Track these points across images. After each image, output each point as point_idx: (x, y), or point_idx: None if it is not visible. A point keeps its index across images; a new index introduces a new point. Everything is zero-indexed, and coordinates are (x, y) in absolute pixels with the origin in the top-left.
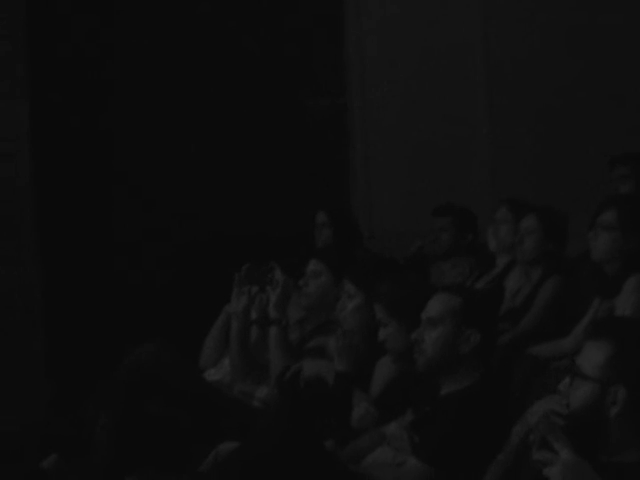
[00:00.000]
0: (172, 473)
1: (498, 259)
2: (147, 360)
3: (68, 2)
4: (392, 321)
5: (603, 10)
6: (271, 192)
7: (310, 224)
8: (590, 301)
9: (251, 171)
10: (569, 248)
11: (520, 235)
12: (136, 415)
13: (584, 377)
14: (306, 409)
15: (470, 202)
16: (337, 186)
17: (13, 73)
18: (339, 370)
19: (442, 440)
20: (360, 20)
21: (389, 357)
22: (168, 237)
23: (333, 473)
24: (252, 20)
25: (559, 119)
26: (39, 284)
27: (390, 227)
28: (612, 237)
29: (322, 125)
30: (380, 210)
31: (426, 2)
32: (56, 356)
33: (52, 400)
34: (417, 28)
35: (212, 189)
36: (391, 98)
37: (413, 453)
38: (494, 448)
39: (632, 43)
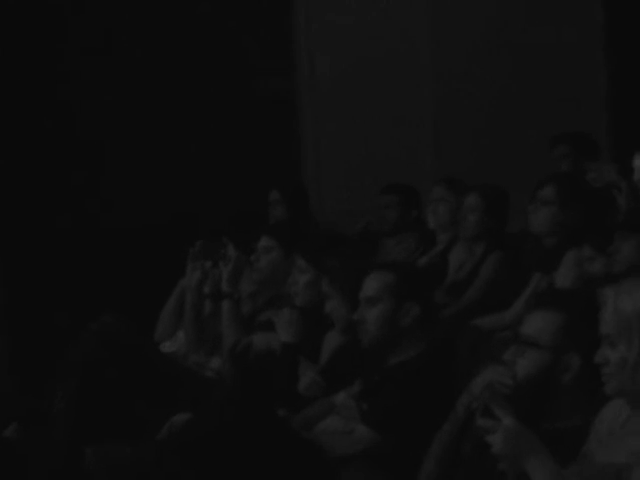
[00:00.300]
0: (128, 443)
1: (438, 236)
2: (104, 332)
3: None
4: (337, 294)
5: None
6: (224, 171)
7: (263, 202)
8: (530, 275)
9: (205, 151)
10: (511, 224)
11: (462, 212)
12: (93, 386)
13: (535, 346)
14: (257, 379)
15: (414, 180)
16: (288, 165)
17: None
18: (285, 341)
19: (389, 408)
20: (308, 2)
21: (336, 329)
22: (124, 217)
23: (287, 439)
24: (203, 4)
25: (501, 100)
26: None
27: (338, 204)
28: (551, 211)
29: (272, 105)
30: (329, 188)
31: None
32: (20, 352)
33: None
34: (364, 10)
35: (168, 168)
36: (339, 79)
37: (362, 421)
38: (440, 416)
39: (567, 27)
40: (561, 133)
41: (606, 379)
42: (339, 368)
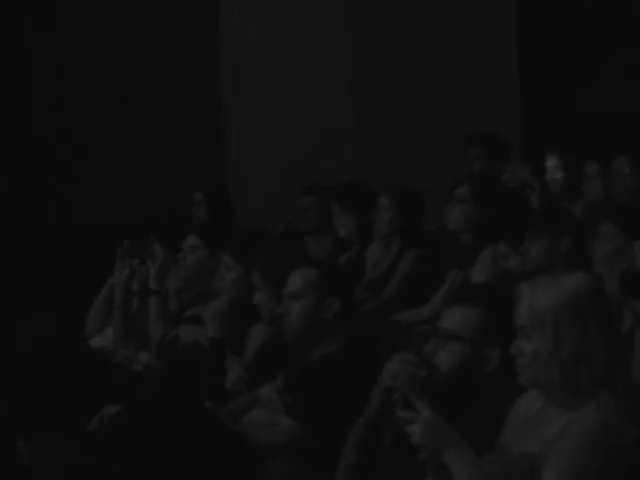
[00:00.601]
0: (61, 435)
1: (355, 239)
2: (35, 328)
3: None
4: (266, 287)
5: None
6: (151, 173)
7: (188, 203)
8: (446, 271)
9: (132, 154)
10: (430, 222)
11: (376, 213)
12: (26, 380)
13: (455, 339)
14: (184, 372)
15: (334, 180)
16: (211, 167)
17: None
18: (212, 336)
19: (312, 401)
20: (233, 10)
21: (262, 322)
22: (55, 218)
23: (214, 430)
24: (130, 14)
25: (418, 103)
26: None
27: (260, 205)
28: (465, 210)
29: (198, 111)
30: (251, 189)
31: None
32: None
33: None
34: (285, 16)
35: (95, 171)
36: (261, 85)
37: (286, 414)
38: (361, 408)
39: (482, 32)
40: (474, 135)
41: (520, 370)
42: (264, 363)
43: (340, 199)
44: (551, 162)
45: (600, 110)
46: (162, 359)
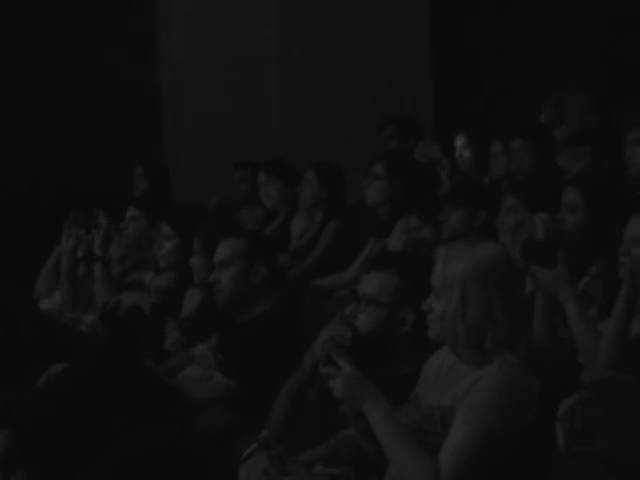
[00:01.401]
0: (11, 389)
1: (279, 210)
2: None
3: None
4: (202, 254)
5: None
6: (96, 150)
7: (129, 176)
8: (366, 240)
9: (80, 133)
10: (350, 197)
11: (301, 186)
12: None
13: (373, 303)
14: (125, 333)
15: (264, 157)
16: (151, 144)
17: None
18: (154, 302)
19: (242, 358)
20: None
21: (197, 286)
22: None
23: (153, 385)
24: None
25: (339, 86)
26: None
27: (195, 179)
28: (381, 185)
29: (137, 93)
30: (187, 165)
31: None
32: None
33: None
34: (217, 5)
35: (49, 147)
36: (195, 68)
37: (218, 370)
38: (287, 364)
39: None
40: (388, 117)
41: (429, 325)
42: (198, 324)
43: (267, 171)
44: (459, 141)
45: (504, 93)
46: (105, 321)
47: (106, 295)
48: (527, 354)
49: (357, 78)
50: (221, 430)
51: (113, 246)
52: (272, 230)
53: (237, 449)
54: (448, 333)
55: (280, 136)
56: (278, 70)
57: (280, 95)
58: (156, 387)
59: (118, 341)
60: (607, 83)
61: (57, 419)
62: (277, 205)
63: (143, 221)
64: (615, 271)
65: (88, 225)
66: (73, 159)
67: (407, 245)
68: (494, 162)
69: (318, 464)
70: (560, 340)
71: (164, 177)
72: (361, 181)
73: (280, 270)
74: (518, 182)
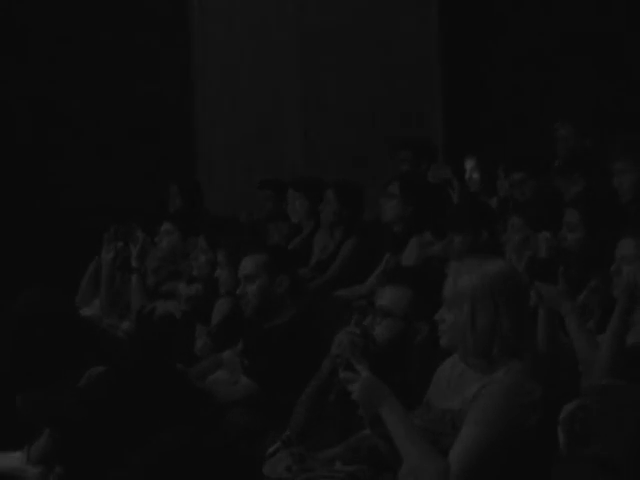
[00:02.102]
0: (53, 390)
1: (304, 225)
2: (35, 298)
3: None
4: (227, 266)
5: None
6: (135, 171)
7: (165, 194)
8: (381, 255)
9: (119, 152)
10: (367, 214)
11: (323, 205)
12: (26, 343)
13: (389, 315)
14: (159, 338)
15: (288, 176)
16: (185, 164)
17: None
18: (185, 309)
19: (266, 363)
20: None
21: (225, 296)
22: (57, 204)
23: (184, 387)
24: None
25: (359, 115)
26: None
27: (226, 197)
28: (396, 204)
29: (173, 116)
30: (218, 183)
31: None
32: None
33: None
34: (247, 23)
35: (90, 167)
36: (227, 93)
37: (244, 374)
38: (308, 369)
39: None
40: (404, 141)
41: (441, 334)
42: (226, 331)
43: (295, 188)
44: (469, 164)
45: (512, 120)
46: (141, 327)
47: (141, 303)
48: (531, 362)
49: (375, 106)
50: (246, 429)
51: (148, 258)
52: (296, 244)
53: (262, 447)
54: (458, 342)
55: (303, 159)
56: (302, 98)
57: (304, 119)
58: (186, 389)
59: (152, 346)
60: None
61: (95, 419)
62: (302, 220)
63: (176, 235)
64: (610, 287)
65: (126, 239)
66: (113, 178)
67: (420, 260)
68: (501, 184)
69: (337, 462)
70: (561, 350)
71: (197, 194)
72: (378, 200)
73: (301, 281)
74: (522, 203)
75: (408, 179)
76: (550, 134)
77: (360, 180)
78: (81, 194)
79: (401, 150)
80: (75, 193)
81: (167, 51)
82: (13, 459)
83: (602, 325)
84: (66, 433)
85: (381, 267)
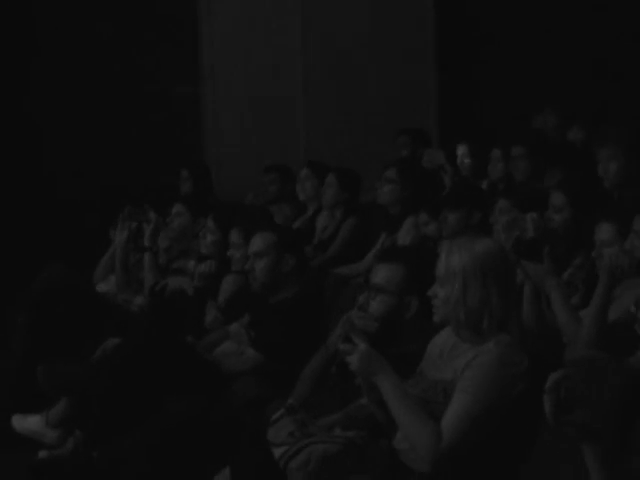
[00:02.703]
0: (72, 361)
1: (308, 206)
2: (55, 275)
3: None
4: (239, 246)
5: None
6: (148, 154)
7: (176, 177)
8: (378, 235)
9: (134, 139)
10: (364, 196)
11: (324, 187)
12: (46, 317)
13: (383, 291)
14: (171, 313)
15: (290, 162)
16: (195, 151)
17: None
18: (197, 285)
19: (272, 336)
20: (211, 21)
21: (233, 272)
22: (74, 189)
23: (194, 359)
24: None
25: (358, 104)
26: None
27: (233, 181)
28: (392, 187)
29: (184, 106)
30: (225, 168)
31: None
32: None
33: None
34: (252, 27)
35: (108, 153)
36: (233, 86)
37: (250, 345)
38: (310, 342)
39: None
40: (403, 128)
41: (434, 310)
42: (234, 305)
43: (310, 169)
44: (461, 150)
45: (502, 107)
46: (153, 302)
47: (154, 280)
48: (518, 335)
49: (373, 96)
50: (252, 398)
51: (160, 238)
52: (300, 223)
53: (266, 414)
54: (450, 316)
55: (305, 143)
56: (304, 88)
57: (306, 108)
58: (196, 360)
59: (164, 319)
60: (597, 100)
61: (110, 388)
62: (309, 199)
63: (186, 216)
64: (594, 265)
65: (140, 219)
66: (129, 163)
67: (415, 239)
68: (492, 167)
69: (336, 428)
70: (546, 324)
71: (206, 178)
72: (374, 183)
73: (306, 261)
74: (511, 186)
75: (404, 164)
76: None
77: (356, 165)
78: (99, 178)
79: (400, 136)
80: (94, 177)
81: (176, 44)
82: (33, 422)
83: (585, 301)
84: (83, 401)
85: (377, 246)
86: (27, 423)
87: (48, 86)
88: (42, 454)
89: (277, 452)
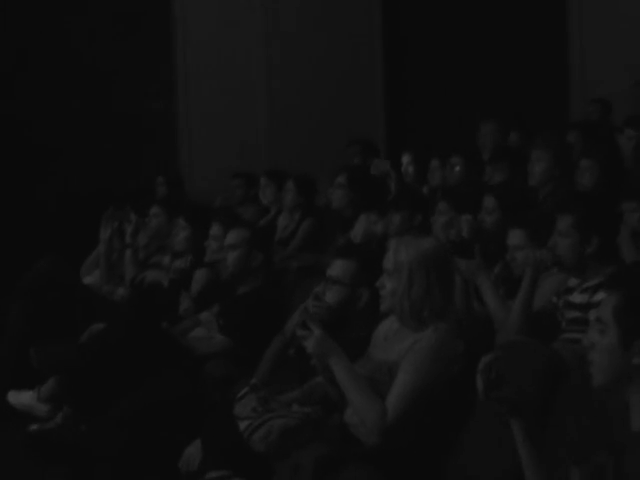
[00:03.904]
0: (61, 343)
1: (270, 208)
2: (47, 266)
3: None
4: (220, 238)
5: None
6: (130, 164)
7: (153, 182)
8: (332, 234)
9: (118, 152)
10: (320, 199)
11: (283, 192)
12: (39, 304)
13: (338, 283)
14: (149, 302)
15: (253, 169)
16: (170, 158)
17: None
18: (171, 278)
19: (238, 322)
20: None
21: (204, 266)
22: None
23: (169, 342)
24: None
25: (314, 117)
26: None
27: (203, 185)
28: (343, 192)
29: (159, 118)
30: (197, 174)
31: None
32: None
33: None
34: (224, 43)
35: (92, 160)
36: (204, 99)
37: (219, 331)
38: (272, 328)
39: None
40: (354, 139)
41: (381, 300)
42: (205, 295)
43: (268, 177)
44: (405, 159)
45: (442, 122)
46: (133, 293)
47: (134, 273)
48: (455, 323)
49: (328, 112)
50: (221, 377)
51: (140, 236)
52: (264, 223)
53: (233, 392)
54: (396, 306)
55: (267, 153)
56: (269, 108)
57: (269, 123)
58: (171, 343)
59: (143, 308)
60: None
61: (95, 367)
62: (270, 203)
63: (163, 217)
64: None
65: (121, 219)
66: (112, 170)
67: (365, 237)
68: (431, 175)
69: (294, 404)
70: (477, 313)
71: (179, 184)
72: (328, 189)
73: (271, 258)
74: (449, 190)
75: (353, 171)
76: (476, 131)
77: (313, 171)
78: (85, 183)
79: (351, 146)
80: (80, 182)
81: (152, 53)
82: (26, 397)
83: (513, 292)
84: (71, 379)
85: (335, 244)
86: (21, 398)
87: (39, 96)
88: (33, 427)
89: (242, 425)
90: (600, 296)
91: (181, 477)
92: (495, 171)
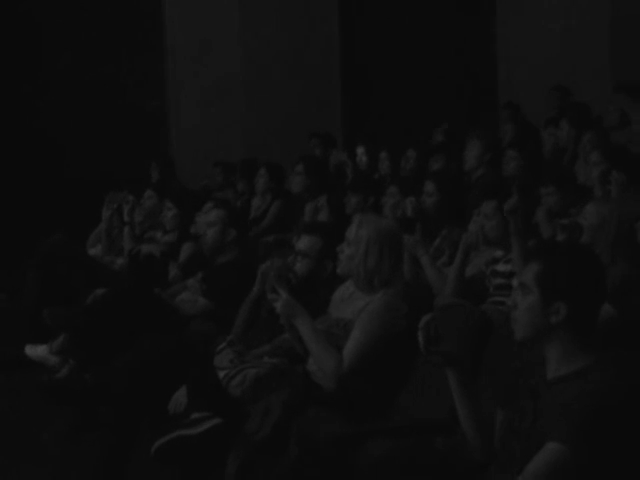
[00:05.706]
0: (70, 305)
1: (246, 191)
2: (57, 241)
3: None
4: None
5: None
6: (128, 152)
7: (147, 168)
8: (299, 213)
9: (119, 141)
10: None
11: (256, 179)
12: (50, 273)
13: (306, 256)
14: (144, 271)
15: (231, 158)
16: (162, 148)
17: None
18: (162, 250)
19: (219, 286)
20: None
21: (190, 240)
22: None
23: (161, 305)
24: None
25: (282, 114)
26: None
27: (191, 170)
28: (301, 179)
29: (152, 114)
30: (186, 161)
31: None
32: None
33: None
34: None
35: (95, 149)
36: (192, 98)
37: (202, 295)
38: (247, 292)
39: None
40: (314, 132)
41: (339, 263)
42: (190, 265)
43: (243, 166)
44: (360, 150)
45: (390, 119)
46: (130, 263)
47: (131, 245)
48: (400, 288)
49: (294, 109)
50: (203, 334)
51: (136, 214)
52: (241, 203)
53: (213, 346)
54: (352, 271)
55: (243, 144)
56: (247, 104)
57: (244, 116)
58: (162, 305)
59: (138, 275)
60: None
61: (99, 326)
62: (244, 187)
63: (155, 199)
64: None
65: (120, 201)
66: (113, 157)
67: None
68: (381, 164)
69: (265, 356)
70: (418, 280)
71: (171, 169)
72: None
73: (244, 233)
74: (398, 176)
75: (313, 161)
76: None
77: (281, 160)
78: (89, 169)
79: (312, 138)
80: (85, 169)
81: (147, 62)
82: (40, 350)
83: (450, 261)
84: (78, 335)
85: (304, 218)
86: (36, 351)
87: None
88: (44, 377)
89: (221, 374)
90: None
91: (170, 417)
92: (434, 160)
